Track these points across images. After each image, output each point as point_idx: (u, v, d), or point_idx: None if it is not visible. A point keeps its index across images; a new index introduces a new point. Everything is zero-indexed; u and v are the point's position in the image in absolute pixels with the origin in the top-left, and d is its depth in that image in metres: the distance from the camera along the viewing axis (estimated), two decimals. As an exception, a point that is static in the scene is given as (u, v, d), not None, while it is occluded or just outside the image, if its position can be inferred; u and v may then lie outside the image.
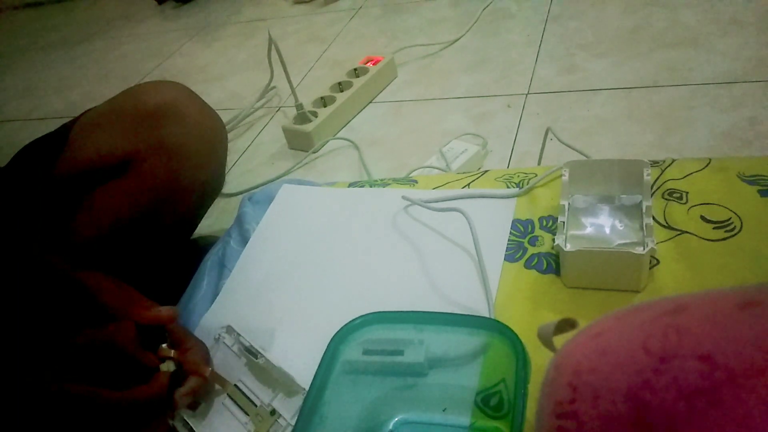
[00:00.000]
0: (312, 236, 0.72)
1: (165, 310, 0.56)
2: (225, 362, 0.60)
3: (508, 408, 0.45)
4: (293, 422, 0.51)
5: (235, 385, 0.57)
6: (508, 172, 0.73)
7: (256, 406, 0.55)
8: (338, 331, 0.51)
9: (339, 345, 0.51)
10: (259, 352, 0.57)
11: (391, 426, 0.49)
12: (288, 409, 0.53)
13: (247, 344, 0.58)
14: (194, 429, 0.54)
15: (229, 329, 0.61)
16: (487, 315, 0.55)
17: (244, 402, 0.56)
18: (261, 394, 0.56)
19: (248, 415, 0.55)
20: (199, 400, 0.57)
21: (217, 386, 0.57)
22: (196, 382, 0.55)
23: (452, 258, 0.63)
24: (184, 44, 1.76)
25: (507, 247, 0.62)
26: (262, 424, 0.53)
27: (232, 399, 0.56)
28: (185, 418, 0.55)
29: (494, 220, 0.65)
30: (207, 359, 0.58)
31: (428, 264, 0.63)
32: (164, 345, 0.56)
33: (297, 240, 0.72)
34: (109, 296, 0.55)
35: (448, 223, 0.67)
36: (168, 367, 0.54)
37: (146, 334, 0.55)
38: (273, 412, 0.54)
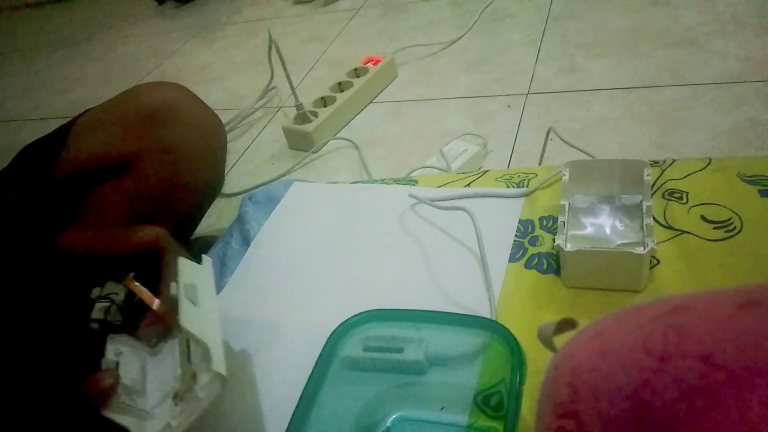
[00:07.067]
0: (318, 233, 0.72)
1: (149, 230, 0.52)
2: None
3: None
4: (207, 402, 0.41)
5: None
6: (509, 172, 0.73)
7: (190, 363, 0.46)
8: (337, 327, 0.51)
9: (338, 340, 0.51)
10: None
11: (388, 423, 0.49)
12: (206, 389, 0.42)
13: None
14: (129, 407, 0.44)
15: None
16: (488, 315, 0.55)
17: (183, 352, 0.47)
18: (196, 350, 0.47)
19: (180, 369, 0.46)
20: (157, 339, 0.50)
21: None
22: (152, 315, 0.50)
23: (456, 257, 0.63)
24: (184, 44, 1.76)
25: (507, 247, 0.62)
26: (184, 385, 0.44)
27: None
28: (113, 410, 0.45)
29: (500, 220, 0.65)
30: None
31: (432, 262, 0.63)
32: (132, 274, 0.50)
33: (303, 237, 0.72)
34: (90, 243, 0.52)
35: (453, 222, 0.67)
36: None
37: (140, 267, 0.51)
38: (194, 376, 0.44)
